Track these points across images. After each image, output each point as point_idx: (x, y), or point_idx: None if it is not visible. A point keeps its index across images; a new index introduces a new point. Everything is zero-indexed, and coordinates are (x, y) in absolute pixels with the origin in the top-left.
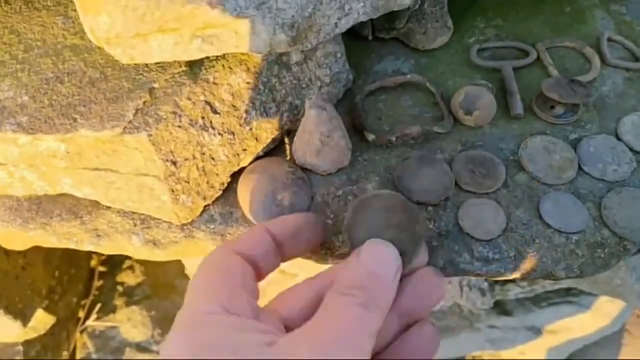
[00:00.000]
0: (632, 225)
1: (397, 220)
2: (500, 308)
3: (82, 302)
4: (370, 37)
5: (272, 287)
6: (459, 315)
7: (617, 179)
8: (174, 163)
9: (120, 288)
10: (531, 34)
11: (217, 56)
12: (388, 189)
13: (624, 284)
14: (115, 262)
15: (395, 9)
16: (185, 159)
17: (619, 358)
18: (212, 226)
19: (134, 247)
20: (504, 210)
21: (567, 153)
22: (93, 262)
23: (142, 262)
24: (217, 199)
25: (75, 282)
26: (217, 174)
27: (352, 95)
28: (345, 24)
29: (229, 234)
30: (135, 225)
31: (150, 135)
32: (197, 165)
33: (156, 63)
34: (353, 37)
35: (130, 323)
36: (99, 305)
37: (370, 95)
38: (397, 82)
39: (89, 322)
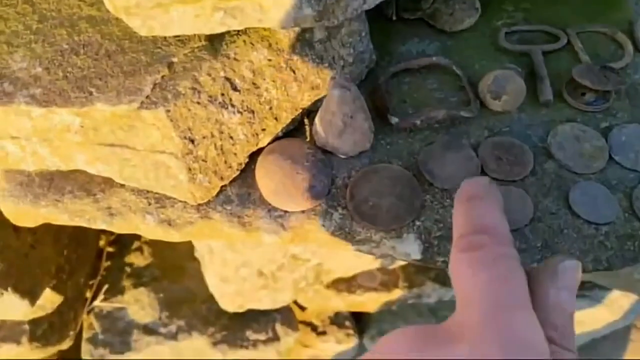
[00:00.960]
0: None
1: (399, 190)
2: None
3: (90, 283)
4: (394, 18)
5: (282, 272)
6: None
7: None
8: (192, 141)
9: (128, 269)
10: (560, 19)
11: (238, 31)
12: (413, 173)
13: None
14: (124, 243)
15: None
16: (204, 137)
17: (626, 353)
18: (229, 207)
19: (148, 227)
20: (532, 198)
21: (598, 142)
22: (101, 243)
23: (151, 244)
24: (235, 179)
25: (84, 262)
26: (236, 154)
27: (374, 77)
28: (374, 0)
29: (246, 215)
30: (149, 204)
31: (168, 111)
32: (215, 144)
33: (175, 37)
34: (376, 17)
35: (138, 305)
36: (106, 286)
37: (394, 77)
38: (422, 64)
39: (96, 303)
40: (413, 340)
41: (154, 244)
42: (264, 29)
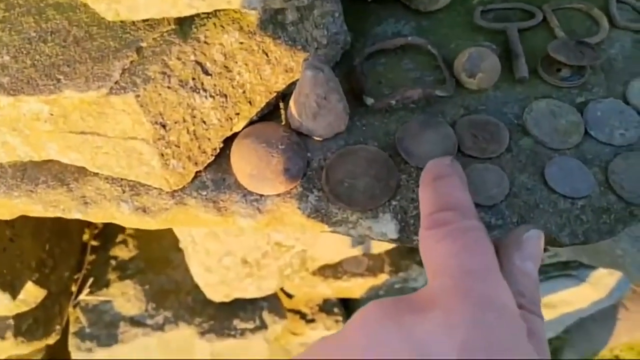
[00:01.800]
0: (638, 187)
1: (375, 171)
2: None
3: (75, 276)
4: None
5: (267, 259)
6: None
7: (625, 144)
8: (164, 126)
9: (113, 262)
10: None
11: (208, 14)
12: (389, 153)
13: (625, 255)
14: (108, 236)
15: None
16: (175, 122)
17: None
18: (204, 193)
19: (123, 215)
20: (508, 175)
21: (573, 117)
22: (85, 236)
23: (135, 236)
24: (209, 164)
25: (68, 255)
26: (209, 139)
27: (350, 59)
28: None
29: (222, 200)
30: (124, 192)
31: (137, 96)
32: (187, 129)
33: (144, 21)
34: None
35: (124, 297)
36: (91, 280)
37: (370, 58)
38: (397, 44)
39: (82, 296)
40: (388, 310)
41: (139, 237)
42: (235, 12)
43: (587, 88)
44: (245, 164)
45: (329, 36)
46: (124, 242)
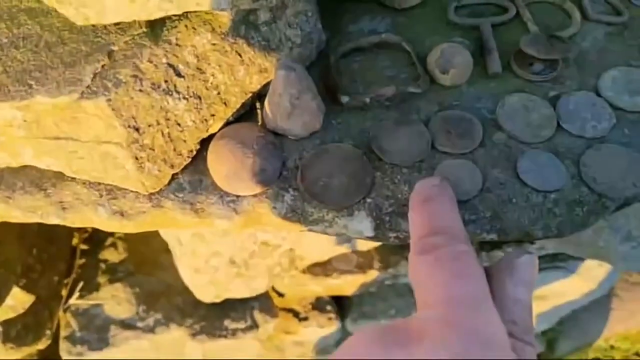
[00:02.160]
0: (611, 181)
1: (350, 169)
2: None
3: (65, 281)
4: None
5: (255, 259)
6: None
7: (597, 136)
8: (137, 129)
9: (103, 265)
10: None
11: (179, 16)
12: (364, 151)
13: (608, 246)
14: (97, 240)
15: None
16: (149, 125)
17: (608, 322)
18: (181, 195)
19: (101, 219)
20: (481, 170)
21: (546, 110)
22: (75, 240)
23: (124, 239)
24: (186, 166)
25: (56, 260)
26: (185, 141)
27: (326, 57)
28: None
29: (199, 202)
30: (101, 196)
31: (109, 100)
32: (162, 132)
33: (115, 24)
34: None
35: (115, 300)
36: (81, 284)
37: (345, 56)
38: (372, 42)
39: (72, 301)
40: (375, 342)
41: (128, 239)
42: (206, 13)
43: (560, 81)
44: (221, 165)
45: (303, 35)
46: (114, 245)
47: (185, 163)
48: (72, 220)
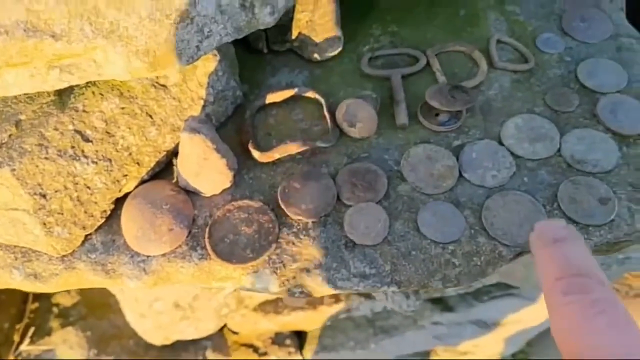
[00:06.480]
0: (508, 228)
1: (256, 225)
2: (443, 304)
3: (17, 326)
4: (265, 50)
5: (199, 302)
6: (402, 315)
7: (497, 185)
8: (44, 196)
9: (55, 310)
10: (425, 40)
11: (87, 83)
12: (271, 207)
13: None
14: None
15: (260, 28)
16: (56, 191)
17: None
18: (93, 256)
19: (16, 282)
20: (383, 223)
21: (449, 161)
22: None
23: None
24: (101, 226)
25: (8, 306)
26: (96, 202)
27: (243, 111)
28: (208, 46)
29: (110, 262)
30: (16, 259)
31: (13, 170)
32: (70, 196)
33: (25, 94)
34: (248, 50)
35: (66, 344)
36: (32, 329)
37: (262, 110)
38: (286, 96)
39: (23, 347)
40: None
41: None
42: (114, 79)
43: (464, 131)
44: (132, 225)
45: (216, 93)
46: None
47: (98, 224)
48: None
